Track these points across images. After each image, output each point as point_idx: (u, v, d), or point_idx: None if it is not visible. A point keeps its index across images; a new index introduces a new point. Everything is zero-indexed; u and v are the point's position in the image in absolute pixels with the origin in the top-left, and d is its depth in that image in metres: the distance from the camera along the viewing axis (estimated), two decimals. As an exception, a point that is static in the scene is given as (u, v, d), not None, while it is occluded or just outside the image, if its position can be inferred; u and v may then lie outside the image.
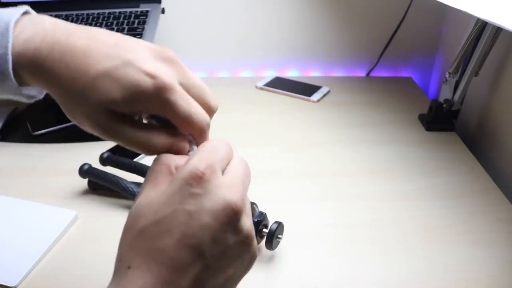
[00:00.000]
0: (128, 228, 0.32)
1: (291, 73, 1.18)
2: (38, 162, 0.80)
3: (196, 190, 0.30)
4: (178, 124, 0.35)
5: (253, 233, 0.33)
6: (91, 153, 0.82)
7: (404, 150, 0.84)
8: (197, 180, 0.30)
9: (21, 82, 0.34)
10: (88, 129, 0.35)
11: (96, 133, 0.35)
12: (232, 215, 0.31)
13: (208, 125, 0.36)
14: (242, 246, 0.32)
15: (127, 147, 0.35)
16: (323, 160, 0.81)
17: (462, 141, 0.86)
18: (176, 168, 0.33)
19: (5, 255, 0.59)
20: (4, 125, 0.90)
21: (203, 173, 0.31)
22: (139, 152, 0.36)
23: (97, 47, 0.32)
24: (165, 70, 0.33)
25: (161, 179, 0.33)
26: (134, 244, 0.31)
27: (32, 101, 0.36)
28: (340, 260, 0.60)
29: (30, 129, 0.89)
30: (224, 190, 0.31)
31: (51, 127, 0.89)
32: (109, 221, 0.66)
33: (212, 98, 0.37)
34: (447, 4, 0.63)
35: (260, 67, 1.17)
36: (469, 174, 0.77)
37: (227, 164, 0.34)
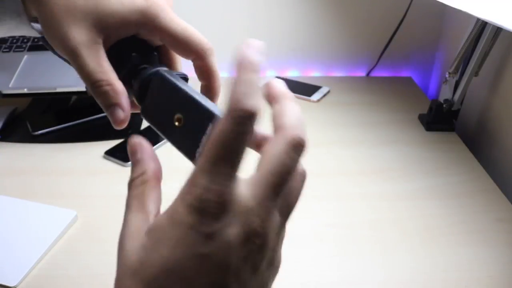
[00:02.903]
0: (130, 276, 0.26)
1: (291, 73, 1.18)
2: (38, 162, 0.80)
3: (211, 228, 0.23)
4: (175, 46, 0.34)
5: (276, 244, 0.27)
6: (91, 153, 0.82)
7: (404, 150, 0.84)
8: (212, 215, 0.23)
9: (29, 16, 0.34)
10: (65, 44, 0.32)
11: (58, 44, 0.32)
12: (254, 243, 0.24)
13: (211, 47, 0.36)
14: (270, 265, 0.27)
15: (78, 73, 0.33)
16: (323, 160, 0.81)
17: (462, 141, 0.86)
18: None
19: (5, 255, 0.59)
20: (4, 125, 0.90)
21: (215, 207, 0.23)
22: (84, 81, 0.33)
23: None
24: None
25: (150, 206, 0.28)
26: None
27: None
28: (340, 260, 0.60)
29: (30, 129, 0.89)
30: (243, 217, 0.24)
31: (51, 127, 0.89)
32: (109, 221, 0.66)
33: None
34: (447, 4, 0.63)
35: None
36: (469, 174, 0.77)
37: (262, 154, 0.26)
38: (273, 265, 0.27)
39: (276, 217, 0.26)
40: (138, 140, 0.29)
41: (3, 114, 0.92)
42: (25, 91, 0.87)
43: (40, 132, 0.88)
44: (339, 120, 0.94)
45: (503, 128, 0.83)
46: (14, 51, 0.97)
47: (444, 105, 0.87)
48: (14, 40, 1.00)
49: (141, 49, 0.34)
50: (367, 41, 1.13)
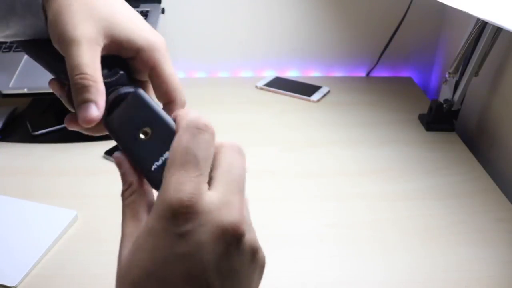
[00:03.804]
0: (121, 280, 0.28)
1: (291, 73, 1.18)
2: (38, 162, 0.80)
3: (184, 228, 0.25)
4: (159, 88, 0.35)
5: (257, 243, 0.29)
6: (91, 153, 0.82)
7: (404, 150, 0.84)
8: (182, 216, 0.25)
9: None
10: (70, 34, 0.33)
11: (70, 40, 0.32)
12: (232, 240, 0.26)
13: (185, 102, 0.36)
14: (251, 262, 0.28)
15: (67, 61, 0.33)
16: (323, 160, 0.81)
17: (462, 141, 0.86)
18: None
19: (5, 255, 0.59)
20: (4, 125, 0.90)
21: (186, 206, 0.25)
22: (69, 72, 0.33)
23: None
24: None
25: (141, 214, 0.30)
26: None
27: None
28: (341, 260, 0.60)
29: (30, 129, 0.89)
30: (217, 213, 0.26)
31: (51, 127, 0.89)
32: (109, 221, 0.66)
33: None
34: (447, 4, 0.63)
35: (260, 67, 1.17)
36: (469, 174, 0.77)
37: (213, 160, 0.28)
38: (256, 258, 0.29)
39: (246, 210, 0.28)
40: (118, 155, 0.32)
41: (3, 114, 0.92)
42: (25, 91, 0.86)
43: (40, 132, 0.88)
44: (339, 120, 0.94)
45: (503, 128, 0.83)
46: (14, 51, 0.97)
47: (444, 105, 0.87)
48: (14, 40, 0.99)
49: (124, 69, 0.36)
50: (367, 41, 1.13)
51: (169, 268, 0.26)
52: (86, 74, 0.32)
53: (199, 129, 0.28)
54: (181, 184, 0.26)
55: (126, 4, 0.36)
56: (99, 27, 0.33)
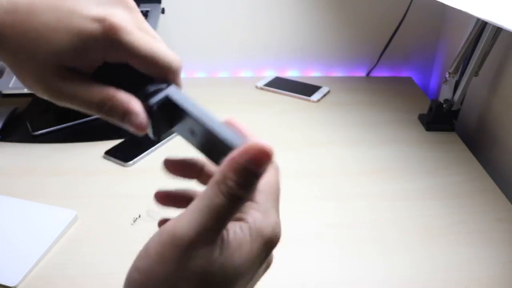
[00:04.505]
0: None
1: (291, 73, 1.18)
2: (38, 162, 0.80)
3: (266, 255, 0.29)
4: (143, 67, 0.31)
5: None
6: (91, 153, 0.82)
7: (404, 150, 0.84)
8: (271, 249, 0.29)
9: None
10: (39, 92, 0.31)
11: (48, 97, 0.31)
12: (269, 251, 0.29)
13: (180, 65, 0.32)
14: (267, 266, 0.32)
15: (82, 109, 0.32)
16: (323, 160, 0.81)
17: (462, 141, 0.86)
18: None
19: (5, 255, 0.59)
20: (4, 125, 0.90)
21: (276, 243, 0.29)
22: (91, 112, 0.32)
23: (40, 2, 0.30)
24: (116, 13, 0.31)
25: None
26: None
27: None
28: (341, 260, 0.60)
29: (30, 129, 0.89)
30: (263, 229, 0.28)
31: (51, 127, 0.89)
32: (109, 221, 0.66)
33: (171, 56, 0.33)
34: (447, 4, 0.63)
35: (260, 67, 1.17)
36: (469, 174, 0.77)
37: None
38: (269, 257, 0.31)
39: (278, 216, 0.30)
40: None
41: (3, 114, 0.92)
42: (25, 91, 0.86)
43: (40, 132, 0.88)
44: (339, 120, 0.94)
45: (503, 128, 0.83)
46: (14, 51, 0.97)
47: (444, 105, 0.87)
48: (14, 40, 0.99)
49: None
50: (367, 41, 1.13)
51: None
52: (98, 103, 0.30)
53: (278, 168, 0.31)
54: (277, 224, 0.29)
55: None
56: (39, 69, 0.30)
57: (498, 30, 0.77)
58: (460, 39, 0.83)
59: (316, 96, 1.03)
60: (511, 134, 0.80)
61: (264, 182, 0.30)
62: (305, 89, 1.06)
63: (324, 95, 1.04)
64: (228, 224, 0.27)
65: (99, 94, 0.31)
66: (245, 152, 0.26)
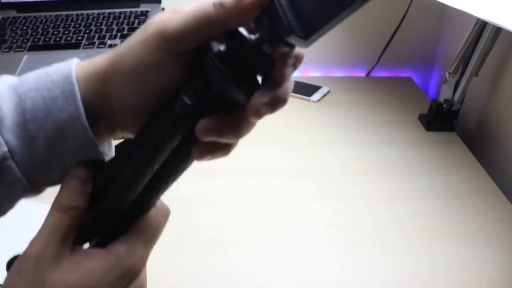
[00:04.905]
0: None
1: (291, 73, 1.18)
2: (38, 162, 0.80)
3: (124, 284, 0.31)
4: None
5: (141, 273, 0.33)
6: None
7: (404, 150, 0.84)
8: (128, 278, 0.31)
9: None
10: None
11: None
12: (129, 280, 0.31)
13: None
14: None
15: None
16: (323, 160, 0.81)
17: (462, 141, 0.86)
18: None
19: (5, 255, 0.59)
20: (4, 125, 0.90)
21: (136, 273, 0.31)
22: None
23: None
24: None
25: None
26: None
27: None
28: (341, 260, 0.60)
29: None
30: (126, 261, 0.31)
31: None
32: (109, 221, 0.66)
33: None
34: (447, 4, 0.63)
35: (260, 67, 1.17)
36: (469, 174, 0.77)
37: None
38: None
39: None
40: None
41: (3, 114, 0.92)
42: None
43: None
44: (339, 120, 0.94)
45: (503, 128, 0.83)
46: (14, 51, 0.97)
47: (444, 105, 0.87)
48: (14, 40, 1.00)
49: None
50: (367, 41, 1.13)
51: None
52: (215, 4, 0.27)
53: (167, 214, 0.33)
54: (140, 259, 0.31)
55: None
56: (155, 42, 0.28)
57: (498, 30, 0.77)
58: (460, 39, 0.83)
59: (316, 96, 1.03)
60: (511, 134, 0.80)
61: (144, 224, 0.32)
62: (305, 89, 1.06)
63: (324, 95, 1.04)
64: (89, 249, 0.32)
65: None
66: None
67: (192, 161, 0.31)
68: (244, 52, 0.27)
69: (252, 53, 0.28)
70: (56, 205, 0.33)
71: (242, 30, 0.27)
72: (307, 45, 0.27)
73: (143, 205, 0.31)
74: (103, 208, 0.31)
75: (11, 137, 0.30)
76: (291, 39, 0.26)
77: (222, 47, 0.27)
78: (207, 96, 0.28)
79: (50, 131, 0.30)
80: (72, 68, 0.30)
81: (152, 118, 0.30)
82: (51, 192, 0.33)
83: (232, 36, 0.27)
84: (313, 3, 0.25)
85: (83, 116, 0.29)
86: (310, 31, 0.26)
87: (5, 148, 0.30)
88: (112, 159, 0.32)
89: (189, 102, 0.28)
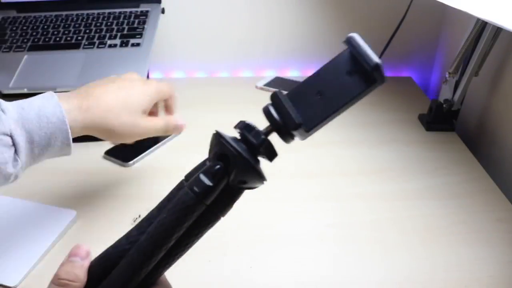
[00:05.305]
0: None
1: (291, 73, 1.18)
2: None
3: None
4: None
5: None
6: (91, 153, 0.82)
7: (404, 150, 0.84)
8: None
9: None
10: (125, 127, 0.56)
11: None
12: None
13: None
14: None
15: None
16: (323, 160, 0.81)
17: (462, 141, 0.86)
18: None
19: (5, 255, 0.59)
20: (4, 125, 0.90)
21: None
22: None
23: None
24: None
25: None
26: None
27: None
28: (340, 260, 0.60)
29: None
30: None
31: (51, 127, 0.89)
32: (109, 221, 0.66)
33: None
34: (447, 4, 0.63)
35: (260, 67, 1.17)
36: (469, 174, 0.77)
37: None
38: None
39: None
40: None
41: (3, 114, 0.92)
42: (25, 91, 0.87)
43: (40, 132, 0.88)
44: (339, 120, 0.93)
45: (503, 128, 0.83)
46: (14, 51, 0.97)
47: (444, 105, 0.87)
48: (14, 40, 1.00)
49: None
50: (367, 41, 1.13)
51: None
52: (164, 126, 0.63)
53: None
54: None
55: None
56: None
57: (498, 30, 0.77)
58: (460, 39, 0.83)
59: (316, 96, 1.03)
60: (511, 134, 0.80)
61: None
62: (305, 89, 1.06)
63: (324, 95, 1.04)
64: None
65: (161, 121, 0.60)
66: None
67: (198, 240, 0.34)
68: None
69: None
70: (55, 279, 0.34)
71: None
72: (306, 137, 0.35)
73: (149, 279, 0.33)
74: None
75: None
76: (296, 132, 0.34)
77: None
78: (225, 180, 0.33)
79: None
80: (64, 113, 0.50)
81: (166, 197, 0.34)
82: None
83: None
84: (315, 103, 0.32)
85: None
86: (312, 125, 0.34)
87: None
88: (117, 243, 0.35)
89: (210, 184, 0.32)
